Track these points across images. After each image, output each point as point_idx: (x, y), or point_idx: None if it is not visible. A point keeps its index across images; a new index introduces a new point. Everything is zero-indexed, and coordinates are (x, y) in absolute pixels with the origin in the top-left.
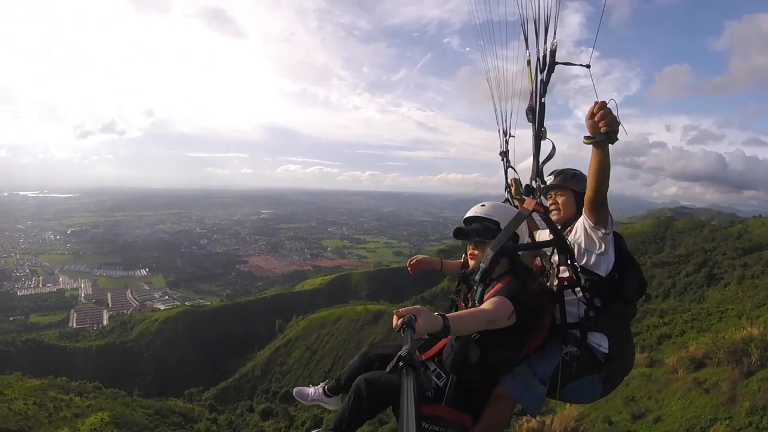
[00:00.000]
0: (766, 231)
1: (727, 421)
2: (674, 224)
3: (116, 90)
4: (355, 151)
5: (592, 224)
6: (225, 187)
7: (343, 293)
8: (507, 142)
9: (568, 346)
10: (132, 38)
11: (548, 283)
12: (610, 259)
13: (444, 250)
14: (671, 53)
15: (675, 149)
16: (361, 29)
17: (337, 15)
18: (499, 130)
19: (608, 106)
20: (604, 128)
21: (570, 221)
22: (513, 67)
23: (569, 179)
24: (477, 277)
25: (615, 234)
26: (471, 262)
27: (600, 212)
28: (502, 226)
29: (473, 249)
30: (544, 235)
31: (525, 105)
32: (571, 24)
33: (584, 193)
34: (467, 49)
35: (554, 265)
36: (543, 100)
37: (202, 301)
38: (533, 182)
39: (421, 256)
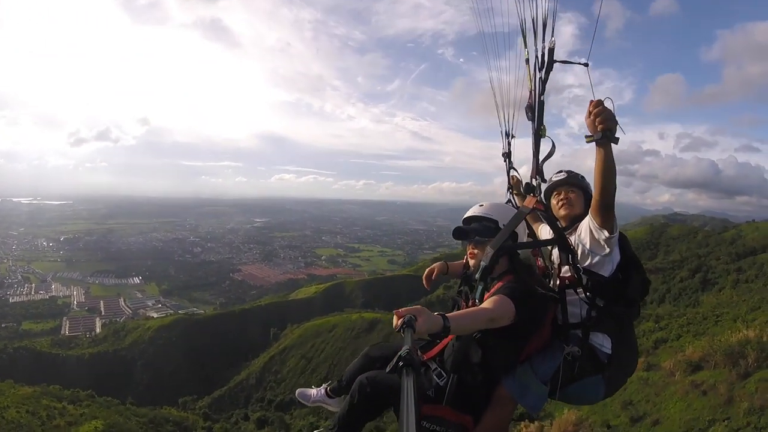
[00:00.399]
0: (760, 236)
1: (726, 422)
2: (668, 231)
3: (111, 98)
4: (350, 160)
5: (598, 226)
6: (219, 195)
7: (337, 301)
8: (510, 144)
9: (570, 347)
10: (128, 47)
11: (550, 283)
12: (615, 260)
13: (438, 258)
14: (664, 63)
15: (668, 157)
16: (355, 40)
17: (332, 26)
18: (501, 132)
19: (605, 104)
20: (600, 126)
21: (576, 219)
22: (515, 67)
23: (579, 179)
24: (477, 276)
25: (620, 234)
26: (471, 262)
27: (607, 215)
28: (501, 225)
29: (473, 248)
30: (544, 231)
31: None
32: (565, 34)
33: (592, 193)
34: (461, 60)
35: (556, 264)
36: (542, 98)
37: (195, 309)
38: (533, 180)
39: (427, 271)
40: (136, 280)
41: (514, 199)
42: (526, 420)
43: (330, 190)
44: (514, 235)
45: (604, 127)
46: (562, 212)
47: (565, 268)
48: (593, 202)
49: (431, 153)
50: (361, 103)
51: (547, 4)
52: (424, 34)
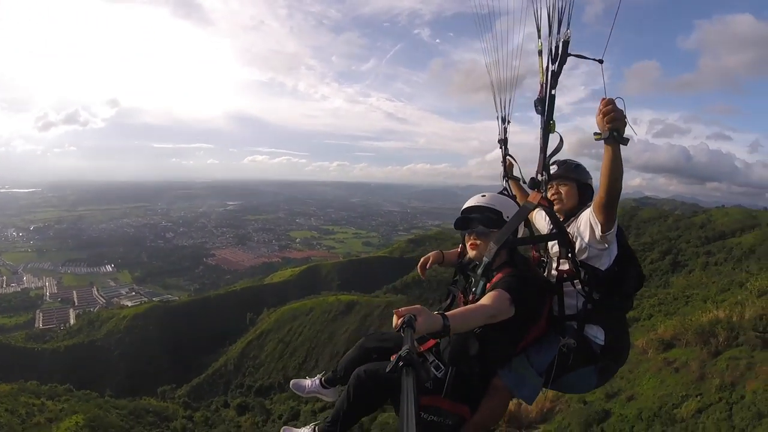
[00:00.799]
0: (729, 221)
1: (698, 398)
2: (639, 214)
3: (80, 79)
4: (323, 141)
5: (599, 223)
6: (190, 178)
7: (313, 285)
8: (506, 130)
9: (565, 338)
10: (96, 26)
11: (545, 274)
12: (612, 254)
13: (413, 239)
14: (641, 50)
15: (641, 142)
16: (330, 18)
17: (307, 3)
18: (497, 118)
19: (616, 104)
20: (608, 125)
21: (571, 212)
22: (514, 50)
23: (572, 170)
24: (479, 272)
25: (618, 228)
26: (471, 252)
27: (609, 213)
28: (505, 216)
29: (475, 239)
30: (539, 217)
31: (523, 93)
32: (541, 24)
33: (586, 183)
34: (437, 40)
35: (553, 257)
36: (553, 92)
37: (170, 296)
38: (539, 176)
39: (422, 260)
40: (109, 268)
41: (509, 186)
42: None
43: (303, 172)
44: (515, 230)
45: (612, 127)
46: (555, 207)
47: (563, 260)
48: (597, 198)
49: (406, 134)
50: (335, 82)
51: None
52: (401, 13)
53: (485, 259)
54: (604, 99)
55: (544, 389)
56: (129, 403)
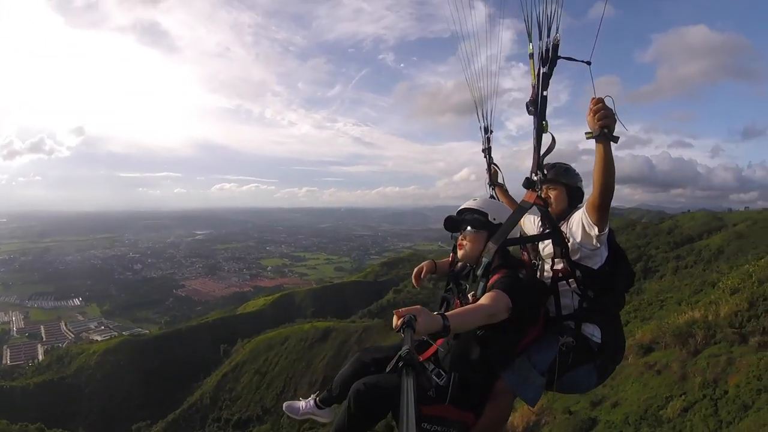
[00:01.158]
0: (695, 224)
1: (683, 397)
2: None
3: (44, 107)
4: (292, 167)
5: (592, 223)
6: (157, 208)
7: (288, 313)
8: (489, 139)
9: (564, 337)
10: (60, 52)
11: (538, 275)
12: (604, 254)
13: (386, 263)
14: (601, 66)
15: None
16: (296, 45)
17: (273, 30)
18: (480, 128)
19: (606, 102)
20: (599, 122)
21: (561, 216)
22: (493, 68)
23: (561, 173)
24: (480, 272)
25: (608, 228)
26: (459, 252)
27: (602, 213)
28: (490, 218)
29: (461, 240)
30: (527, 221)
31: (502, 103)
32: (503, 40)
33: (576, 187)
34: (402, 65)
35: (545, 258)
36: (545, 94)
37: (140, 329)
38: (534, 175)
39: (416, 270)
40: (77, 301)
41: (495, 193)
42: None
43: (272, 199)
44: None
45: (602, 124)
46: None
47: (557, 260)
48: (591, 198)
49: (373, 158)
50: (302, 109)
51: None
52: (365, 39)
53: (485, 260)
54: (594, 98)
55: (545, 391)
56: None
